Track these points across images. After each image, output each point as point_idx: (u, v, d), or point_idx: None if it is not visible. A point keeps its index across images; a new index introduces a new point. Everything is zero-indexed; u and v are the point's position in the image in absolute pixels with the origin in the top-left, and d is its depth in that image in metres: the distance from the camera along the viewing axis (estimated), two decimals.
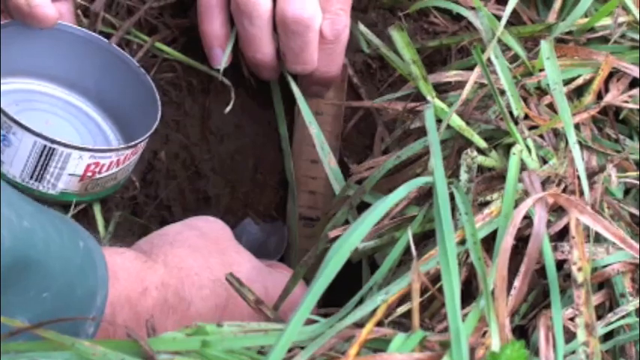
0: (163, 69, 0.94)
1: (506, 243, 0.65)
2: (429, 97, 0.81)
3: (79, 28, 0.86)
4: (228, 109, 0.89)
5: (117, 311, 0.70)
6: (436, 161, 0.70)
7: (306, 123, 0.89)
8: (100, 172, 0.80)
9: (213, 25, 0.90)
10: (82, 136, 0.85)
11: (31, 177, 0.78)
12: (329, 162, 0.88)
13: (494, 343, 0.62)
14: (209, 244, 0.79)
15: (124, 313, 0.69)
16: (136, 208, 0.92)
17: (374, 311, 0.65)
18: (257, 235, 0.97)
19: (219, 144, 0.97)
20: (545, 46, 0.81)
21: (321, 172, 0.95)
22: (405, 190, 0.69)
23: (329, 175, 0.88)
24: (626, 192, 0.81)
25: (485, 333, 0.64)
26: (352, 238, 0.62)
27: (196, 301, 0.75)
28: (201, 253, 0.78)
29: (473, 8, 0.88)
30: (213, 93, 0.97)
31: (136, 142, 0.81)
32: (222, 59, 0.91)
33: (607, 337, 0.72)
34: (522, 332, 0.74)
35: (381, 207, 0.66)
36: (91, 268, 0.66)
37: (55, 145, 0.77)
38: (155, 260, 0.75)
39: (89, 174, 0.79)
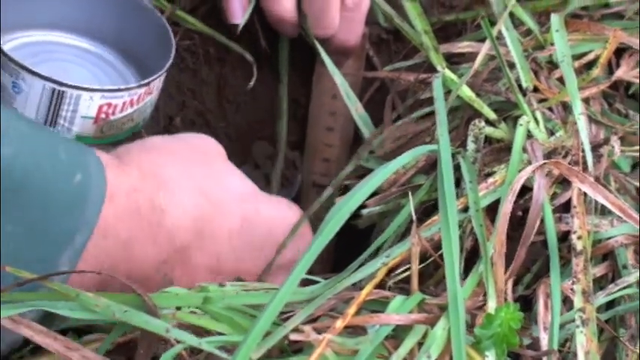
0: (181, 36, 0.95)
1: (505, 208, 0.66)
2: (439, 67, 0.82)
3: None
4: (251, 83, 0.89)
5: (101, 251, 0.64)
6: (442, 129, 0.71)
7: (330, 73, 0.88)
8: (114, 114, 0.79)
9: None
10: (100, 81, 0.84)
11: (45, 122, 0.78)
12: (356, 109, 0.88)
13: (491, 306, 0.63)
14: (196, 155, 0.74)
15: None
16: None
17: (375, 273, 0.66)
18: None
19: (235, 112, 0.98)
20: (555, 19, 0.82)
21: (336, 139, 0.96)
22: (410, 157, 0.70)
23: (357, 121, 0.87)
24: (634, 167, 0.82)
25: (484, 297, 0.66)
26: (352, 200, 0.63)
27: (172, 210, 0.69)
28: (183, 162, 0.72)
29: None
30: (230, 62, 0.98)
31: (147, 80, 0.80)
32: (240, 14, 0.89)
33: (609, 308, 0.73)
34: (526, 302, 0.75)
35: (384, 172, 0.67)
36: (79, 207, 0.61)
37: (63, 88, 0.76)
38: (127, 163, 0.68)
39: (103, 115, 0.78)
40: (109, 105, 0.78)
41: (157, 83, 0.81)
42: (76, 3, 0.86)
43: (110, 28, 0.87)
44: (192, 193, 0.70)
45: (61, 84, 0.76)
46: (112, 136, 0.81)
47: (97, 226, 0.62)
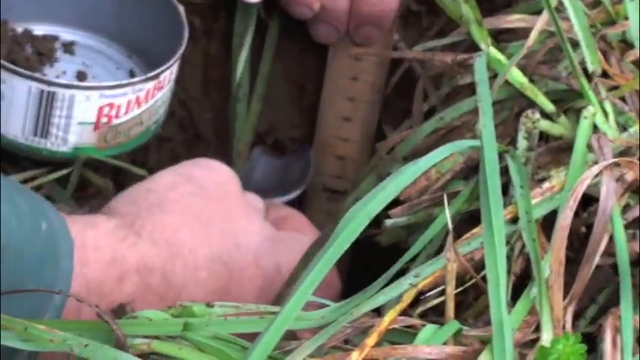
0: None
1: (564, 220, 0.67)
2: (482, 45, 0.83)
3: None
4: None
5: (83, 305, 0.68)
6: (486, 120, 0.72)
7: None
8: (117, 116, 0.79)
9: None
10: (100, 79, 0.85)
11: (35, 133, 0.78)
12: None
13: (546, 338, 0.64)
14: (210, 205, 0.79)
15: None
16: (118, 176, 0.93)
17: (400, 297, 0.67)
18: (274, 166, 0.99)
19: (224, 101, 1.00)
20: None
21: (354, 132, 0.98)
22: (444, 153, 0.71)
23: None
24: None
25: (537, 328, 0.66)
26: (371, 204, 0.64)
27: (190, 285, 0.76)
28: (198, 220, 0.78)
29: None
30: (218, 36, 0.99)
31: (156, 72, 0.80)
32: None
33: None
34: (590, 341, 0.75)
35: (411, 170, 0.68)
36: (51, 260, 0.66)
37: (53, 88, 0.77)
38: (138, 233, 0.75)
39: (104, 119, 0.79)
40: (111, 105, 0.78)
41: (169, 75, 0.81)
42: None
43: (105, 15, 0.87)
44: (209, 264, 0.77)
45: (50, 83, 0.76)
46: (118, 146, 0.82)
47: (105, 307, 0.67)
